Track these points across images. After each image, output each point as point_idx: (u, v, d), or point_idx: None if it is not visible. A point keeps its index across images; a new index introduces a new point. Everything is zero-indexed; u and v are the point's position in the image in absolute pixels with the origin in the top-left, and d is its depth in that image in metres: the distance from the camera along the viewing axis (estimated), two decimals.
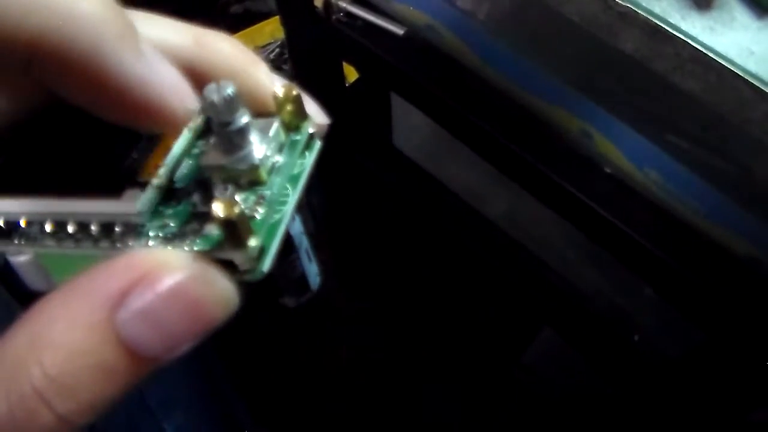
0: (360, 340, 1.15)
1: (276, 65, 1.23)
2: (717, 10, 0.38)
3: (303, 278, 0.22)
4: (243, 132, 0.18)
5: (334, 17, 0.63)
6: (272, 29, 1.25)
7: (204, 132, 0.20)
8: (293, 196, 0.18)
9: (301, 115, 0.20)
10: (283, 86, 0.19)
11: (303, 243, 0.21)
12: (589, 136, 0.52)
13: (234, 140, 0.18)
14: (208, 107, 0.18)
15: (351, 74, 0.94)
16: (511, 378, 1.04)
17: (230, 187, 0.18)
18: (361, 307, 1.17)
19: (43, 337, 0.15)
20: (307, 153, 0.20)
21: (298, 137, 0.20)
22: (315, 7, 0.64)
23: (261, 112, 0.19)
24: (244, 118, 0.18)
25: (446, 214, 0.76)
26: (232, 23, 1.31)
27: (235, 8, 1.37)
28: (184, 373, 0.62)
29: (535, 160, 0.55)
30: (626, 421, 0.78)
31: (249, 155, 0.18)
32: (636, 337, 0.68)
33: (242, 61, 0.20)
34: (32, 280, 0.19)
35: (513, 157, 0.57)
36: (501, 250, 0.73)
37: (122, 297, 0.15)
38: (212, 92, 0.17)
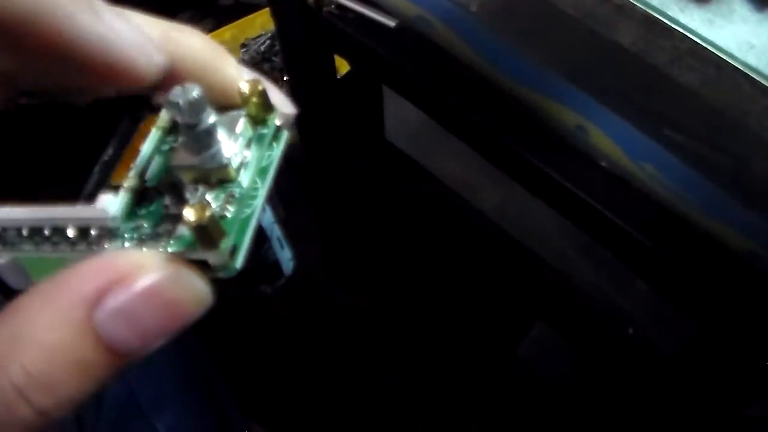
0: (353, 335, 1.15)
1: (266, 57, 1.22)
2: (716, 2, 0.37)
3: (277, 265, 0.22)
4: (210, 132, 0.18)
5: (325, 9, 0.62)
6: (263, 21, 1.24)
7: (172, 128, 0.20)
8: (263, 190, 0.19)
9: (267, 108, 0.20)
10: (248, 82, 0.19)
11: (274, 232, 0.22)
12: (584, 129, 0.51)
13: (202, 140, 0.18)
14: (174, 110, 0.18)
15: (342, 67, 0.94)
16: (505, 371, 1.04)
17: (200, 188, 0.19)
18: (354, 302, 1.17)
19: (23, 335, 0.16)
20: (274, 144, 0.20)
21: (265, 130, 0.20)
22: None
23: (228, 106, 0.20)
24: (211, 118, 0.18)
25: (439, 208, 0.75)
26: (222, 15, 1.30)
27: (225, 0, 1.36)
28: (175, 371, 0.62)
29: (529, 153, 0.55)
30: (621, 415, 0.78)
31: (218, 154, 0.18)
32: (630, 331, 0.68)
33: (210, 55, 0.20)
34: (12, 279, 0.19)
35: (506, 151, 0.56)
36: (494, 244, 0.73)
37: (99, 296, 0.16)
38: (178, 95, 0.18)
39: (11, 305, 0.16)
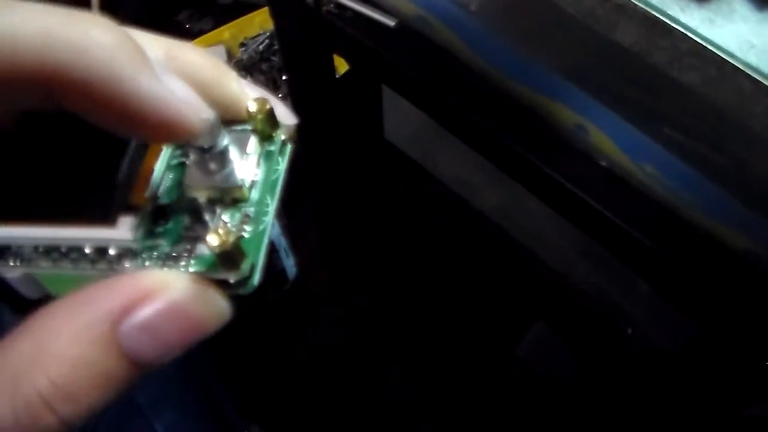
0: (351, 335, 1.15)
1: (265, 57, 1.22)
2: (716, 1, 0.37)
3: (282, 272, 0.23)
4: (224, 153, 0.19)
5: (324, 8, 0.62)
6: (261, 20, 1.24)
7: (180, 144, 0.21)
8: (272, 206, 0.20)
9: (273, 124, 0.20)
10: (255, 101, 0.20)
11: (281, 243, 0.22)
12: (584, 128, 0.51)
13: (216, 162, 0.19)
14: None
15: (341, 66, 0.94)
16: (504, 371, 1.04)
17: (217, 209, 0.19)
18: (352, 302, 1.17)
19: (48, 347, 0.16)
20: (280, 159, 0.21)
21: (272, 147, 0.21)
22: None
23: (232, 120, 0.20)
24: (224, 141, 0.19)
25: (438, 207, 0.75)
26: (220, 14, 1.30)
27: None
28: (174, 372, 0.62)
29: (529, 152, 0.54)
30: (620, 414, 0.78)
31: (232, 174, 0.19)
32: (629, 331, 0.68)
33: (212, 71, 0.21)
34: (25, 290, 0.20)
35: (506, 150, 0.56)
36: (493, 243, 0.73)
37: (124, 313, 0.17)
38: None
39: (34, 316, 0.17)
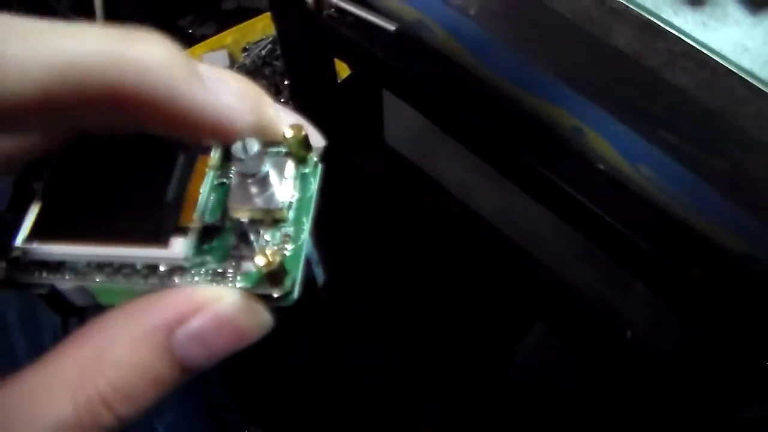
0: (350, 337, 1.15)
1: (268, 62, 1.22)
2: (710, 5, 0.38)
3: (313, 281, 0.24)
4: (266, 178, 0.21)
5: (324, 13, 0.63)
6: (264, 25, 1.24)
7: (221, 165, 0.22)
8: (308, 224, 0.22)
9: (307, 147, 0.22)
10: (292, 127, 0.22)
11: (314, 256, 0.24)
12: (581, 131, 0.52)
13: (257, 185, 0.21)
14: (236, 164, 0.21)
15: (343, 70, 0.94)
16: (503, 375, 1.04)
17: (260, 229, 0.21)
18: (351, 304, 1.17)
19: (108, 353, 0.18)
20: (312, 179, 0.23)
21: (306, 170, 0.23)
22: (305, 3, 0.63)
23: (269, 142, 0.22)
24: (265, 167, 0.21)
25: (438, 211, 0.75)
26: (223, 19, 1.31)
27: (227, 4, 1.37)
28: None
29: (527, 156, 0.55)
30: (619, 418, 0.78)
31: (272, 198, 0.21)
32: (628, 334, 0.68)
33: (252, 97, 0.22)
34: (76, 299, 0.22)
35: (505, 154, 0.56)
36: (493, 247, 0.73)
37: (178, 323, 0.19)
38: (239, 151, 0.20)
39: (93, 323, 0.19)
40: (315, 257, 0.24)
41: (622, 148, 0.49)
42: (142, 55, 0.18)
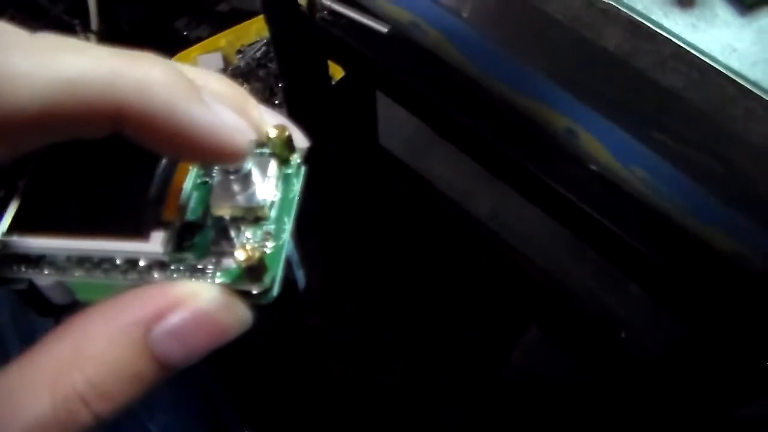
0: (345, 340, 1.15)
1: (262, 63, 1.22)
2: (699, 6, 0.38)
3: (294, 284, 0.24)
4: (247, 176, 0.21)
5: (318, 15, 0.63)
6: (258, 27, 1.24)
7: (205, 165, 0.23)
8: (289, 224, 0.22)
9: (290, 149, 0.22)
10: (276, 128, 0.22)
11: (294, 257, 0.23)
12: (574, 133, 0.52)
13: (240, 183, 0.21)
14: None
15: (337, 72, 0.94)
16: (499, 376, 1.04)
17: (241, 226, 0.21)
18: (347, 306, 1.17)
19: (86, 349, 0.18)
20: (295, 180, 0.22)
21: (289, 170, 0.22)
22: (299, 5, 0.63)
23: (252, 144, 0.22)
24: (248, 165, 0.21)
25: (432, 212, 0.76)
26: (218, 21, 1.31)
27: (222, 6, 1.37)
28: None
29: (521, 157, 0.55)
30: (614, 417, 0.79)
31: (253, 196, 0.21)
32: (623, 334, 0.68)
33: (238, 100, 0.22)
34: (54, 296, 0.22)
35: (498, 155, 0.57)
36: (487, 248, 0.74)
37: (156, 318, 0.19)
38: None
39: (71, 320, 0.19)
40: (296, 259, 0.24)
41: (615, 150, 0.50)
42: (144, 74, 0.19)
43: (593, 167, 0.53)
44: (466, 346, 1.09)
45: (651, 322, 0.70)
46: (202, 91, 0.20)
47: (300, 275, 0.24)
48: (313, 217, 1.04)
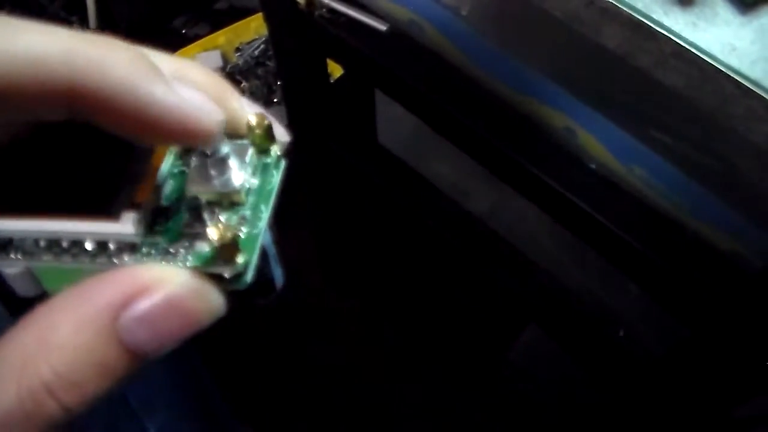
0: (345, 338, 1.15)
1: (260, 61, 1.22)
2: (699, 5, 0.38)
3: (271, 280, 0.24)
4: (224, 160, 0.21)
5: (317, 13, 0.63)
6: (257, 26, 1.24)
7: (183, 153, 0.22)
8: (266, 213, 0.21)
9: (270, 139, 0.22)
10: (255, 116, 0.22)
11: (271, 251, 0.23)
12: (572, 131, 0.52)
13: (216, 167, 0.21)
14: None
15: (335, 70, 0.94)
16: (498, 374, 1.04)
17: (216, 210, 0.21)
18: (346, 305, 1.17)
19: (50, 337, 0.17)
20: (274, 172, 0.22)
21: (268, 160, 0.22)
22: (298, 3, 0.63)
23: (233, 134, 0.22)
24: (225, 149, 0.21)
25: (431, 211, 0.75)
26: (216, 19, 1.31)
27: (220, 4, 1.37)
28: (166, 372, 0.62)
29: (519, 156, 0.55)
30: (612, 417, 0.79)
31: (229, 180, 0.21)
32: (621, 333, 0.68)
33: (217, 89, 0.22)
34: (21, 288, 0.21)
35: (497, 154, 0.56)
36: (486, 247, 0.73)
37: (123, 304, 0.18)
38: None
39: (36, 310, 0.18)
40: (274, 253, 0.23)
41: (613, 148, 0.50)
42: (101, 54, 0.18)
43: (592, 166, 0.53)
44: (463, 345, 1.09)
45: (650, 322, 0.70)
46: (169, 76, 0.20)
47: (278, 273, 0.24)
48: (312, 215, 1.04)
